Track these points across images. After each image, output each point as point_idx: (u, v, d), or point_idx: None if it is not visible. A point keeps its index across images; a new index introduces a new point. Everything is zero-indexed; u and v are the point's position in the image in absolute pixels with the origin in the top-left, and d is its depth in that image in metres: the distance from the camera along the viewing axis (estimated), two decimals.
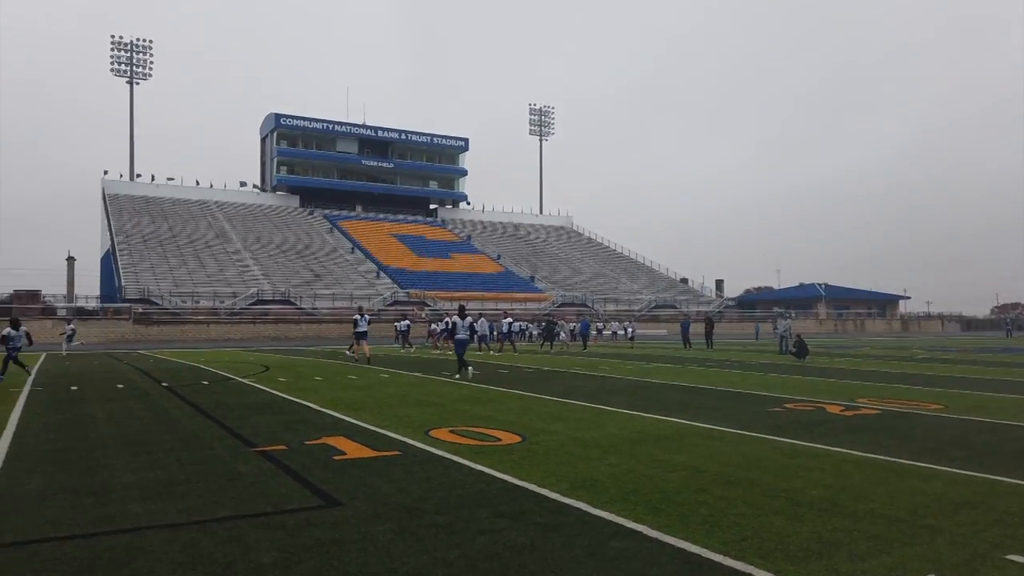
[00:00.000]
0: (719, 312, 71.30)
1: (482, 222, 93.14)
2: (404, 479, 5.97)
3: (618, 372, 18.35)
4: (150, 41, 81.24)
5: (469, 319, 18.06)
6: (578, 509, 5.08)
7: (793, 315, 57.92)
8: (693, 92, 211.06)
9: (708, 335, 34.24)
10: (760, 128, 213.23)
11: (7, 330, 15.39)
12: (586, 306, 66.03)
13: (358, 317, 22.78)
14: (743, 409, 10.70)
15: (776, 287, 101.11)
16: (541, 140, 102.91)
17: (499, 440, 7.87)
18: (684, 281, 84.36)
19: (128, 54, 79.87)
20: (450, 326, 17.62)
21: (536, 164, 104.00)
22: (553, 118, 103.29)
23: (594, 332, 41.80)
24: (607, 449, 7.35)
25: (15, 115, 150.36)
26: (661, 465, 6.56)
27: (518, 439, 7.92)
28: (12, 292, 52.06)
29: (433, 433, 8.30)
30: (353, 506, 5.12)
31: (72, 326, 33.93)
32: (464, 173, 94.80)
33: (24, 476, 6.12)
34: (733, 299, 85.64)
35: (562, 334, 35.89)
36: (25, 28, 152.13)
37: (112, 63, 79.54)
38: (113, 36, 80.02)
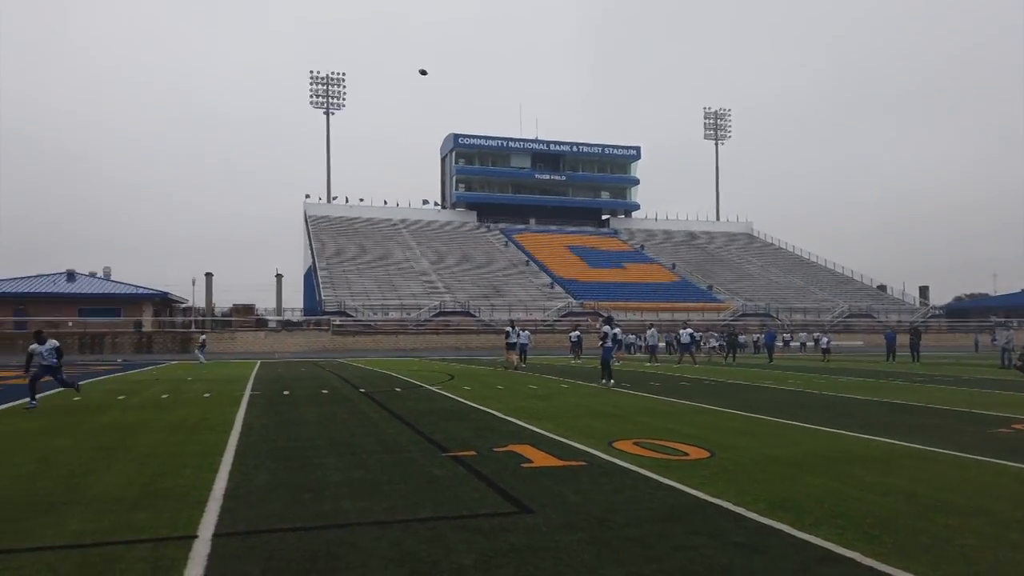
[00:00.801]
0: (923, 322, 64.92)
1: (656, 230, 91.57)
2: (592, 490, 5.96)
3: (810, 386, 17.22)
4: (343, 74, 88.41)
5: (616, 329, 17.92)
6: (779, 530, 4.80)
7: (1015, 324, 51.58)
8: (889, 85, 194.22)
9: (914, 347, 31.24)
10: (981, 119, 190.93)
11: (32, 346, 12.88)
12: (770, 316, 62.83)
13: (509, 329, 24.91)
14: (962, 429, 9.63)
15: (992, 294, 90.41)
16: (717, 144, 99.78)
17: (686, 455, 7.65)
18: (882, 288, 77.51)
19: (324, 87, 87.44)
20: (611, 336, 17.58)
21: (712, 169, 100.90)
22: (729, 121, 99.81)
23: (780, 344, 39.64)
24: (805, 468, 6.90)
25: (237, 149, 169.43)
26: (869, 487, 6.05)
27: (706, 454, 7.65)
28: (231, 306, 58.55)
29: (617, 445, 8.24)
30: (544, 514, 5.18)
31: (204, 337, 37.60)
32: (636, 182, 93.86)
33: (252, 472, 6.81)
34: (940, 308, 77.56)
35: (711, 342, 34.41)
36: (244, 72, 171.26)
37: (311, 96, 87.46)
38: (312, 72, 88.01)
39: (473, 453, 7.71)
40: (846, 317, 65.65)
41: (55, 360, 12.72)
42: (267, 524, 4.98)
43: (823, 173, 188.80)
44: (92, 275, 59.57)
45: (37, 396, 12.48)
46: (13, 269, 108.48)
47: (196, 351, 34.62)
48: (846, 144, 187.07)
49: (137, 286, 56.71)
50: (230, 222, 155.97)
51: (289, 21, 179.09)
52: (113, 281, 58.94)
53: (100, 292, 55.18)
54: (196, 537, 4.63)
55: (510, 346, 24.86)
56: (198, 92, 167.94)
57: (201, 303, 59.58)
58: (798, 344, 44.92)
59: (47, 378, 12.91)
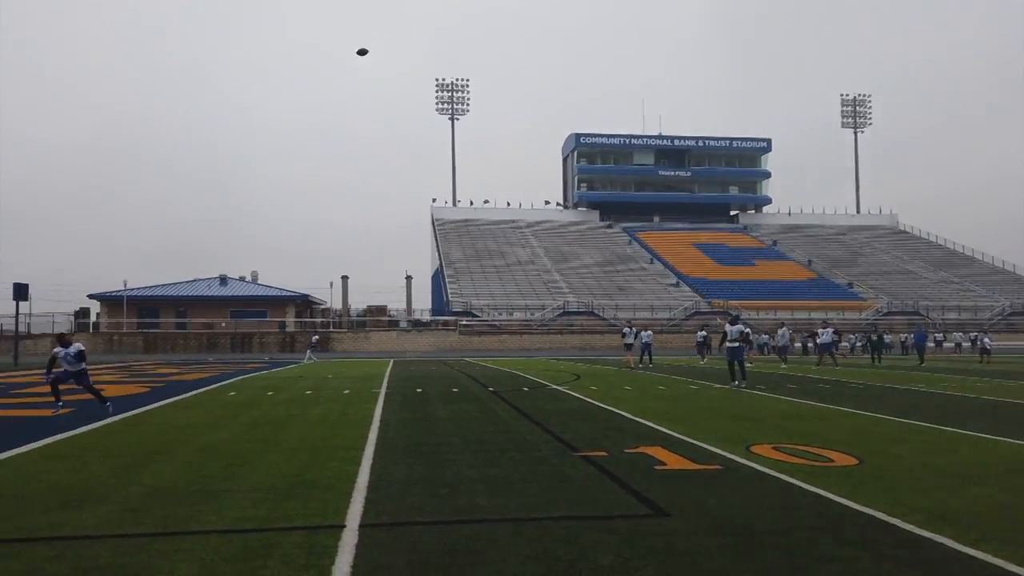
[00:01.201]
0: None
1: (789, 225, 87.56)
2: (730, 495, 5.76)
3: (968, 390, 15.88)
4: (467, 80, 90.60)
5: (739, 326, 17.27)
6: (941, 544, 4.44)
7: None
8: None
9: None
10: None
11: (56, 349, 12.07)
12: (918, 315, 58.55)
13: (626, 330, 25.78)
14: None
15: None
16: (856, 133, 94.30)
17: (831, 461, 7.24)
18: None
19: (449, 93, 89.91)
20: (747, 334, 16.96)
21: (850, 160, 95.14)
22: (869, 107, 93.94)
23: (931, 344, 36.83)
24: (968, 478, 6.35)
25: (369, 158, 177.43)
26: None
27: (854, 461, 7.20)
28: (365, 307, 61.28)
29: (755, 449, 7.92)
30: (682, 518, 5.06)
31: (316, 338, 39.13)
32: (767, 175, 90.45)
33: (391, 466, 7.08)
34: None
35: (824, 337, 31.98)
36: (373, 83, 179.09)
37: (437, 103, 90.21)
38: (437, 79, 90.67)
39: (604, 454, 7.65)
40: (1007, 315, 60.12)
41: (82, 365, 11.76)
42: (408, 516, 5.16)
43: (976, 160, 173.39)
44: (242, 279, 64.17)
45: (63, 399, 12.00)
46: (175, 275, 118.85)
47: (308, 350, 36.56)
48: (1003, 128, 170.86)
49: (281, 289, 60.55)
50: (364, 227, 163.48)
51: (413, 29, 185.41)
52: (260, 284, 63.24)
53: (249, 295, 59.36)
54: (344, 527, 4.86)
55: (627, 346, 25.46)
56: (332, 105, 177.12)
57: (338, 304, 62.76)
58: (952, 344, 41.52)
59: (71, 384, 11.99)
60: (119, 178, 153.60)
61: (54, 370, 11.90)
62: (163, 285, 60.79)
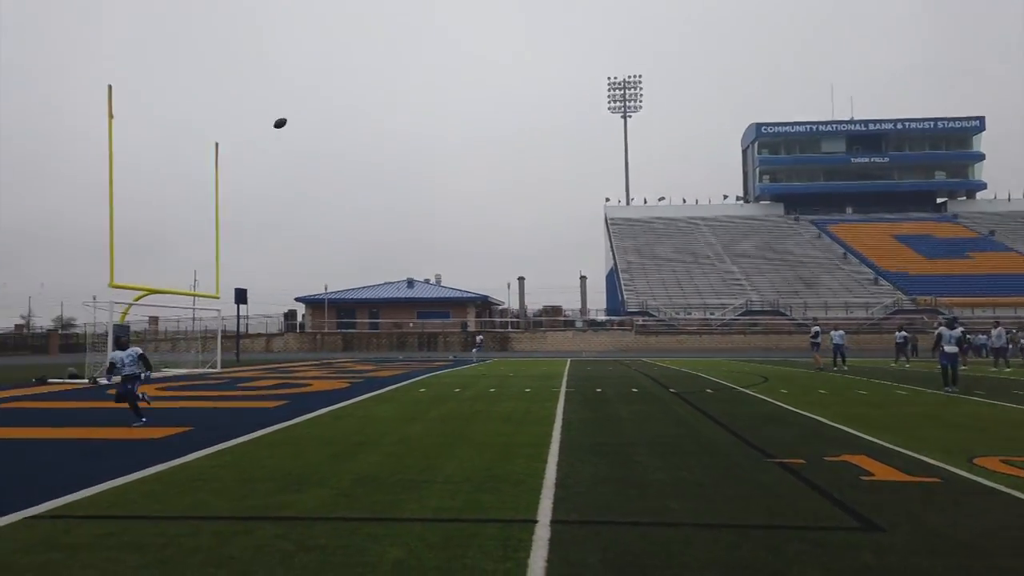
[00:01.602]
0: None
1: (1010, 213, 77.55)
2: (952, 511, 5.21)
3: None
4: (639, 76, 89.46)
5: (959, 330, 16.22)
6: None
7: None
8: None
9: None
10: None
11: (112, 354, 11.15)
12: None
13: (818, 328, 26.02)
14: None
15: None
16: None
17: None
18: None
19: (621, 91, 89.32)
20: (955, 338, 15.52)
21: None
22: None
23: None
24: None
25: (543, 160, 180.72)
26: None
27: None
28: (541, 308, 62.35)
29: (979, 461, 7.10)
30: (897, 533, 4.64)
31: (481, 337, 39.22)
32: (980, 157, 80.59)
33: (578, 464, 7.13)
34: None
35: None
36: (546, 84, 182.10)
37: (609, 102, 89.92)
38: (609, 78, 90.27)
39: (802, 461, 7.20)
40: None
41: (146, 371, 10.81)
42: (599, 515, 5.16)
43: None
44: (427, 282, 67.71)
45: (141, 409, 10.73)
46: (368, 278, 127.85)
47: (473, 350, 37.61)
48: None
49: (463, 291, 63.18)
50: (538, 229, 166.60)
51: (583, 29, 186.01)
52: (443, 287, 66.38)
53: (433, 296, 62.52)
54: (536, 522, 4.96)
55: (814, 345, 25.59)
56: (507, 108, 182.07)
57: (515, 305, 64.40)
58: None
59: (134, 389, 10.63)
60: (323, 189, 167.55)
61: (113, 378, 10.80)
62: (358, 288, 65.60)
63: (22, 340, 61.60)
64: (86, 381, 20.42)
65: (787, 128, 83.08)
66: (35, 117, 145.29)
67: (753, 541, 4.50)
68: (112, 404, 10.99)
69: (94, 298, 25.24)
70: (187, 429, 9.86)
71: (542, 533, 4.69)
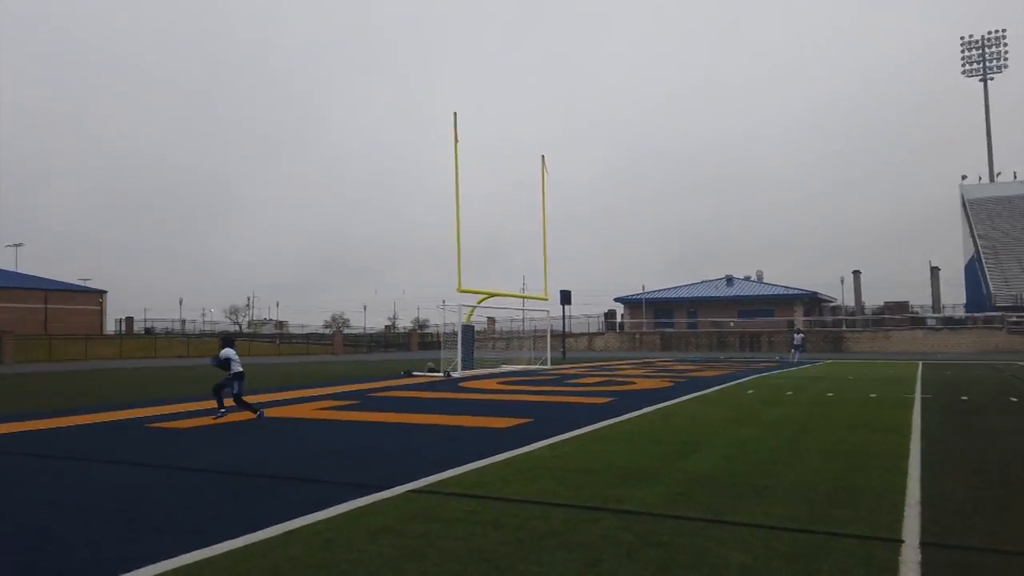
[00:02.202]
0: None
1: None
2: None
3: None
4: (1003, 31, 75.93)
5: None
6: None
7: None
8: None
9: None
10: None
11: (224, 351, 10.89)
12: None
13: None
14: None
15: None
16: None
17: None
18: None
19: (979, 51, 76.56)
20: None
21: None
22: None
23: None
24: None
25: (877, 143, 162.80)
26: None
27: None
28: (882, 304, 56.01)
29: None
30: None
31: (802, 336, 34.31)
32: None
33: (947, 481, 6.21)
34: None
35: None
36: (878, 54, 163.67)
37: (963, 64, 77.68)
38: (962, 37, 78.05)
39: None
40: None
41: (226, 371, 10.86)
42: (982, 543, 4.43)
43: None
44: (747, 279, 65.05)
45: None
46: (685, 277, 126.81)
47: (793, 350, 34.38)
48: None
49: (787, 287, 59.49)
50: (875, 217, 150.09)
51: None
52: (765, 283, 63.20)
53: (754, 294, 59.83)
54: (902, 542, 4.41)
55: None
56: (841, 90, 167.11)
57: (850, 301, 58.76)
58: None
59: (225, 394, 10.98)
60: (640, 187, 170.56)
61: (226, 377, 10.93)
62: (675, 287, 65.42)
63: (390, 338, 72.41)
64: (441, 374, 23.25)
65: None
66: (394, 145, 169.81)
67: None
68: (458, 395, 12.36)
69: (444, 302, 28.70)
70: (528, 420, 10.67)
71: (910, 555, 4.15)
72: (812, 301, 59.32)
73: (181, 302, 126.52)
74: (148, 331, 63.66)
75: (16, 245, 65.12)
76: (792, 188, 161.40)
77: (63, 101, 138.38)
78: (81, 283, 64.08)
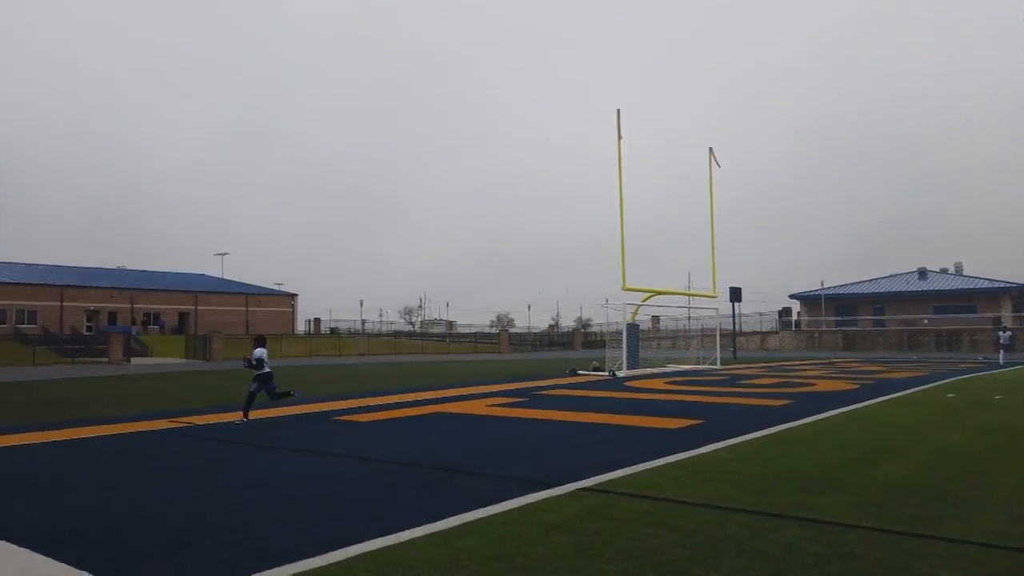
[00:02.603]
0: None
1: None
2: None
3: None
4: None
5: None
6: None
7: None
8: None
9: None
10: None
11: (257, 351, 10.95)
12: None
13: None
14: None
15: None
16: None
17: None
18: None
19: None
20: None
21: None
22: None
23: None
24: None
25: None
26: None
27: None
28: None
29: None
30: None
31: (1009, 333, 29.59)
32: None
33: None
34: None
35: None
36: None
37: None
38: None
39: None
40: None
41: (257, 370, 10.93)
42: None
43: None
44: (943, 272, 59.20)
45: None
46: (870, 271, 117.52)
47: (1001, 351, 30.32)
48: None
49: (992, 280, 53.45)
50: None
51: None
52: (966, 276, 57.16)
53: (952, 288, 54.29)
54: None
55: None
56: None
57: None
58: None
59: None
60: (818, 176, 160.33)
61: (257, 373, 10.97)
62: (859, 283, 60.80)
63: (554, 338, 73.17)
64: (606, 373, 23.13)
65: None
66: (554, 145, 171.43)
67: None
68: (624, 395, 12.20)
69: (607, 300, 28.50)
70: (699, 422, 10.34)
71: None
72: (1022, 295, 52.83)
73: (362, 304, 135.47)
74: (333, 331, 68.62)
75: (222, 255, 72.70)
76: (998, 166, 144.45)
77: (255, 123, 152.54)
78: (276, 287, 70.44)
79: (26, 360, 37.72)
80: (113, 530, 4.90)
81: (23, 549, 4.44)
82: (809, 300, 59.85)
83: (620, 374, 23.10)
